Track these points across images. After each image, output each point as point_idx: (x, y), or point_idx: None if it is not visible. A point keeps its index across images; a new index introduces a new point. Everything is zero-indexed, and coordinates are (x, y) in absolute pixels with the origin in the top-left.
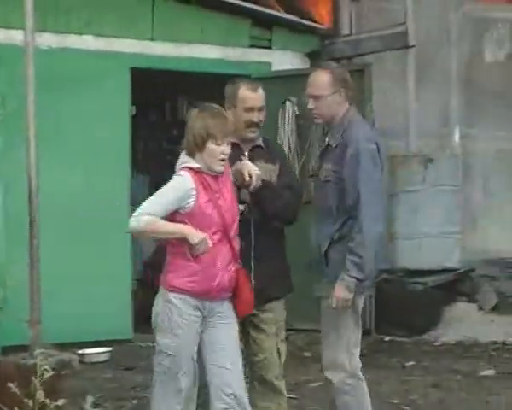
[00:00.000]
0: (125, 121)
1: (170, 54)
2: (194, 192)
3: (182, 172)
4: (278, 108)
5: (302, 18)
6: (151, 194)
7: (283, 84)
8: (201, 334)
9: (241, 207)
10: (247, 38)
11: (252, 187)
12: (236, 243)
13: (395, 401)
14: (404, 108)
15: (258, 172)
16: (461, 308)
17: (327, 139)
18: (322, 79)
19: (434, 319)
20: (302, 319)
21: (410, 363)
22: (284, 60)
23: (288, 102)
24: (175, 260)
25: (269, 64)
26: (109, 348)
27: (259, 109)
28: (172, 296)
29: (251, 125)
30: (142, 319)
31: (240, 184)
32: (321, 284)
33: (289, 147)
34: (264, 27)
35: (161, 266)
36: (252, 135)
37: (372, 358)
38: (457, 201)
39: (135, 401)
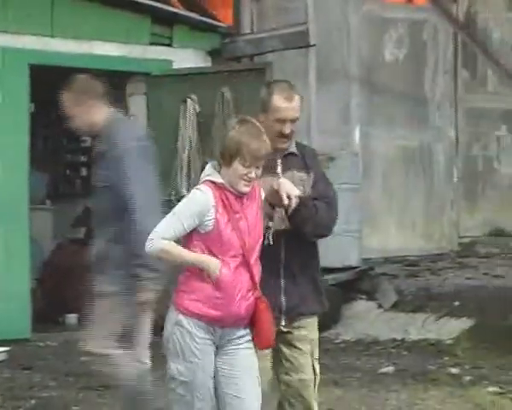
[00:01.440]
0: (24, 118)
1: (70, 51)
2: (213, 210)
3: (202, 187)
4: (179, 105)
5: (203, 16)
6: (48, 192)
7: (184, 82)
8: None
9: (271, 224)
10: (147, 36)
11: (290, 210)
12: (258, 270)
13: None
14: (305, 107)
15: (297, 193)
16: (361, 306)
17: (96, 145)
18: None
19: (334, 317)
20: None
21: None
22: (185, 58)
23: (189, 100)
24: (190, 280)
25: (170, 62)
26: (7, 348)
27: (292, 121)
28: (184, 319)
29: (281, 136)
30: (41, 318)
31: (276, 205)
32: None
33: (190, 145)
34: (165, 25)
35: (60, 266)
36: (282, 146)
37: None
38: (357, 199)
39: (33, 401)
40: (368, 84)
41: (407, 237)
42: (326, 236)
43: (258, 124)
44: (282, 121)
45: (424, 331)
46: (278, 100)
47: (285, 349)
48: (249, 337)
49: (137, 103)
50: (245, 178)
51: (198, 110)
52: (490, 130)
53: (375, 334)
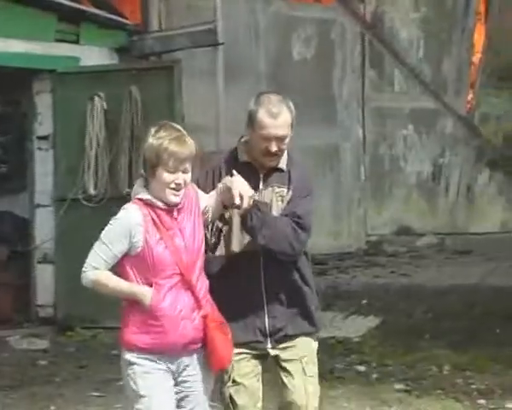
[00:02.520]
0: None
1: None
2: (141, 229)
3: (127, 205)
4: (86, 103)
5: (111, 13)
6: None
7: (91, 80)
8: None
9: (224, 228)
10: (53, 33)
11: (241, 210)
12: (202, 287)
13: None
14: (213, 105)
15: (251, 193)
16: None
17: None
18: None
19: None
20: (111, 317)
21: None
22: (92, 55)
23: (96, 98)
24: (130, 313)
25: (76, 59)
26: None
27: (279, 139)
28: (132, 356)
29: (268, 154)
30: None
31: (227, 204)
32: None
33: (98, 143)
34: (72, 22)
35: None
36: (269, 164)
37: None
38: None
39: None
40: (276, 83)
41: (315, 236)
42: (289, 255)
43: (178, 126)
44: (267, 139)
45: (332, 329)
46: (263, 116)
47: (278, 371)
48: (202, 364)
49: (44, 101)
50: (172, 186)
51: (105, 108)
52: (396, 129)
53: None
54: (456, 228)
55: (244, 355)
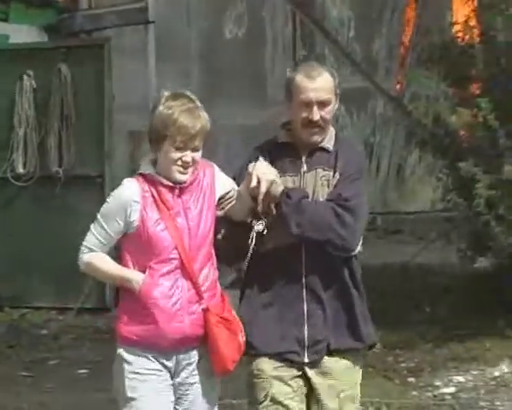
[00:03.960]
0: None
1: None
2: (138, 206)
3: (125, 181)
4: (15, 81)
5: None
6: None
7: (20, 58)
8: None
9: (258, 225)
10: None
11: (260, 196)
12: (206, 278)
13: None
14: (144, 84)
15: (272, 178)
16: None
17: None
18: None
19: None
20: (39, 297)
21: None
22: (21, 33)
23: (25, 76)
24: (123, 301)
25: (5, 37)
26: None
27: (321, 104)
28: (122, 352)
29: (309, 124)
30: None
31: (251, 194)
32: None
33: (27, 122)
34: (1, 1)
35: None
36: (311, 139)
37: None
38: None
39: None
40: (207, 61)
41: None
42: (337, 245)
43: (193, 97)
44: (307, 105)
45: None
46: (301, 79)
47: (310, 399)
48: (206, 363)
49: None
50: (179, 163)
51: (34, 87)
52: None
53: None
54: (387, 207)
55: (283, 369)
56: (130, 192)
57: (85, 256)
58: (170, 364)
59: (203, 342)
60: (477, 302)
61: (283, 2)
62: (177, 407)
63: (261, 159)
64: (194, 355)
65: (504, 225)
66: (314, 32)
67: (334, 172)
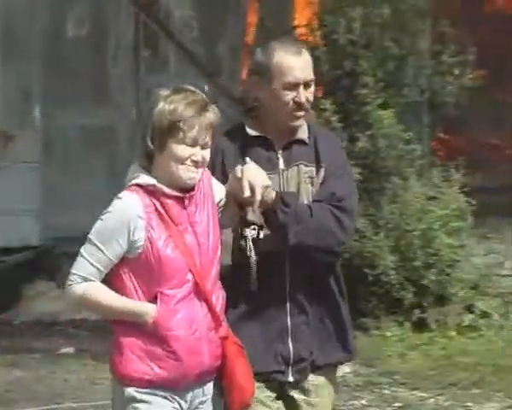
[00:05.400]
0: None
1: None
2: (143, 223)
3: (123, 194)
4: None
5: None
6: None
7: None
8: None
9: (250, 232)
10: None
11: (255, 205)
12: (218, 300)
13: None
14: None
15: (266, 183)
16: (41, 286)
17: None
18: None
19: (14, 297)
20: None
21: None
22: None
23: None
24: (125, 336)
25: None
26: None
27: (307, 85)
28: (134, 391)
29: (296, 108)
30: None
31: (240, 201)
32: None
33: None
34: None
35: None
36: (297, 123)
37: None
38: (37, 178)
39: None
40: (49, 61)
41: (90, 215)
42: (335, 252)
43: (198, 91)
44: (294, 86)
45: None
46: (284, 58)
47: None
48: (217, 398)
49: None
50: (188, 162)
51: None
52: None
53: (55, 314)
54: None
55: (262, 390)
56: (132, 206)
57: (79, 288)
58: (185, 404)
59: (218, 375)
60: None
61: (127, 2)
62: None
63: (248, 160)
64: (208, 392)
65: None
66: (158, 33)
67: (318, 168)
